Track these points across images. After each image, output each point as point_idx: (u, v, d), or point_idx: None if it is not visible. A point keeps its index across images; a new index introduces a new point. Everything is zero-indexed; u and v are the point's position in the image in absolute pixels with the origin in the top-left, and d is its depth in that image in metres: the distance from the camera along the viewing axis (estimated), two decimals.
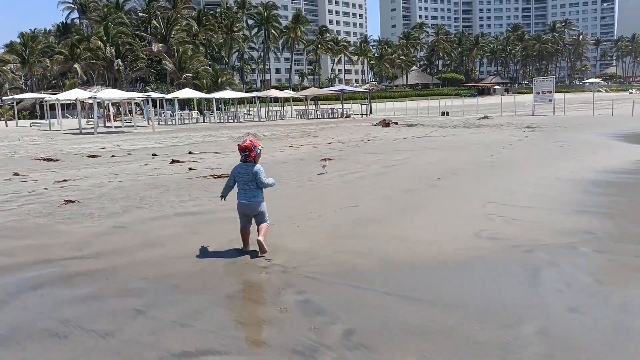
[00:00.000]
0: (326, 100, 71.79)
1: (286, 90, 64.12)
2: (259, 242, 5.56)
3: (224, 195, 5.96)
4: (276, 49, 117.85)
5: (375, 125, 30.08)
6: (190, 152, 16.80)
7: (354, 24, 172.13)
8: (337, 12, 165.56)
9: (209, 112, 47.67)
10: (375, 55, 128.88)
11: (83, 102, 38.67)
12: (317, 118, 46.49)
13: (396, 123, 30.45)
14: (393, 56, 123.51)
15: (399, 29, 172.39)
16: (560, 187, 9.36)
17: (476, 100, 53.21)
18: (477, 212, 7.40)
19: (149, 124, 34.55)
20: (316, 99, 54.37)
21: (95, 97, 31.06)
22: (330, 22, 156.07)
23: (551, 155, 14.29)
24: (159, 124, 40.42)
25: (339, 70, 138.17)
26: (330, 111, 47.34)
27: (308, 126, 33.53)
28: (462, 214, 7.33)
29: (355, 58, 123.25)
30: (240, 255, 5.64)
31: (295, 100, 56.63)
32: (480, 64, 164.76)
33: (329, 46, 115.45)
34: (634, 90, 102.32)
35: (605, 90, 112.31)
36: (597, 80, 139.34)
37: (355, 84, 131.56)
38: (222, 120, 43.55)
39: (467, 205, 7.92)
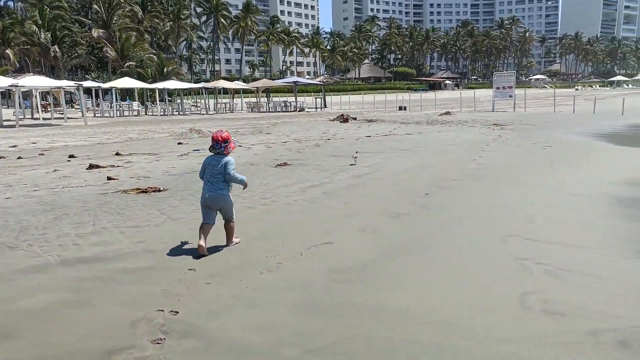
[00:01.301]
0: (278, 92, 69.10)
1: (236, 82, 61.02)
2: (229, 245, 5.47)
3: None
4: (226, 38, 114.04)
5: (333, 121, 27.90)
6: (117, 153, 14.00)
7: (306, 16, 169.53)
8: (289, 3, 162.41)
9: (152, 103, 44.16)
10: (328, 47, 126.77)
11: (8, 90, 34.58)
12: (270, 111, 43.91)
13: (355, 118, 28.38)
14: (345, 49, 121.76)
15: (351, 21, 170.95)
16: (585, 207, 7.38)
17: (434, 94, 51.98)
18: (501, 254, 5.26)
19: (83, 116, 31.04)
20: (268, 91, 51.67)
21: (17, 85, 27.33)
22: (282, 12, 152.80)
23: (539, 159, 12.46)
24: (94, 116, 36.83)
25: (291, 62, 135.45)
26: (283, 104, 44.84)
27: (260, 120, 30.99)
28: (482, 258, 5.16)
29: (307, 50, 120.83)
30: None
31: (246, 92, 53.71)
32: (431, 59, 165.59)
33: (281, 37, 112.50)
34: (580, 87, 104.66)
35: (550, 87, 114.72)
36: (542, 76, 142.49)
37: (307, 77, 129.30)
38: (165, 113, 40.27)
39: (482, 240, 5.77)
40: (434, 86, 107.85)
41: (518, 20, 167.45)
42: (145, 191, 8.33)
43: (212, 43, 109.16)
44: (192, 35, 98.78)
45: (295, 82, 47.98)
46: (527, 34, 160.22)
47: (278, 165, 11.30)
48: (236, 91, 51.16)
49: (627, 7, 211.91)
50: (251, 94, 55.16)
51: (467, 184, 9.09)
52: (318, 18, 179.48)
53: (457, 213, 7.02)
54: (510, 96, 35.99)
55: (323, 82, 69.37)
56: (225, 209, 5.31)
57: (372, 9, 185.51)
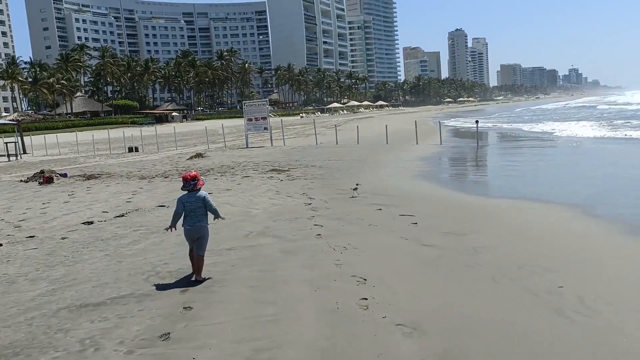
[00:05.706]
0: None
1: None
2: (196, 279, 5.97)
3: (173, 226, 5.96)
4: None
5: (27, 182, 17.67)
6: None
7: None
8: None
9: None
10: (29, 79, 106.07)
11: None
12: None
13: (65, 175, 18.59)
14: (51, 80, 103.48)
15: (56, 50, 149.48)
16: None
17: (173, 128, 43.82)
18: None
19: None
20: None
21: None
22: None
23: (470, 278, 6.17)
24: None
25: None
26: None
27: None
28: None
29: (1, 83, 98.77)
30: None
31: None
32: (154, 90, 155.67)
33: None
34: (304, 115, 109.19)
35: (274, 115, 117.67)
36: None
37: (5, 114, 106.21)
38: None
39: None
40: (161, 119, 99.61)
41: (236, 51, 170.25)
42: None
43: None
44: None
45: None
46: (247, 65, 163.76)
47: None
48: None
49: (325, 42, 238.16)
50: None
51: None
52: (13, 46, 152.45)
53: None
54: (266, 129, 30.55)
55: (18, 119, 54.45)
56: (201, 239, 5.89)
57: (79, 37, 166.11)
